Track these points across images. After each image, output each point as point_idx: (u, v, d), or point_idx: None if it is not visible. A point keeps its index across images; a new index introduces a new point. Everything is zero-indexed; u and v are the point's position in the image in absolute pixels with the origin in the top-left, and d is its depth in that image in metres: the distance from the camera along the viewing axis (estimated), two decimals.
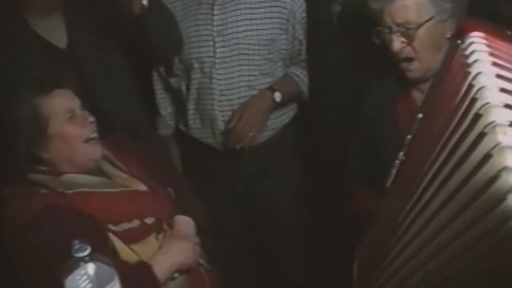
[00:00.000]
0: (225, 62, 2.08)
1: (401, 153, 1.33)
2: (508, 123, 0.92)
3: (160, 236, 1.68)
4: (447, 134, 1.03)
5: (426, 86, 1.77)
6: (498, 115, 0.93)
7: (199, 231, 1.78)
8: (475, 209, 0.95)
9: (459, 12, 1.71)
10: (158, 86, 2.24)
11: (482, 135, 0.93)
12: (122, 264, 1.53)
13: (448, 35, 1.67)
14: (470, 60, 1.05)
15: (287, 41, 2.14)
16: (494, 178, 0.90)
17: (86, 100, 1.73)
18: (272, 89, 2.12)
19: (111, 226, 1.60)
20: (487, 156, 0.91)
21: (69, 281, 1.26)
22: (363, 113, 1.87)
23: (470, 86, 0.99)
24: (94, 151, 1.68)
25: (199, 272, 1.74)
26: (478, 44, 1.09)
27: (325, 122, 2.19)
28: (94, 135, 1.67)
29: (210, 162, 2.21)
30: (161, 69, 2.21)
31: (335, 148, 2.08)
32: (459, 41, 1.15)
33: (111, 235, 1.59)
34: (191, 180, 2.07)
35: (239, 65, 2.08)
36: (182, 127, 2.23)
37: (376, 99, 1.84)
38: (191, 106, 2.15)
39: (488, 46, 1.09)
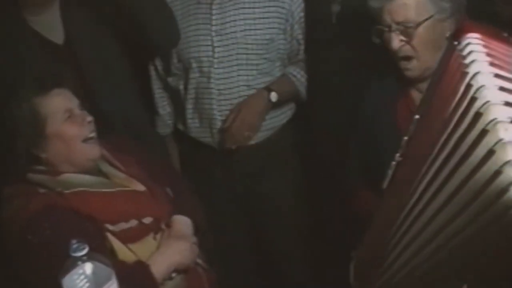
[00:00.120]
0: (223, 62, 2.08)
1: (398, 154, 1.33)
2: (509, 120, 0.93)
3: (158, 236, 1.68)
4: (446, 134, 1.03)
5: (424, 85, 1.76)
6: (499, 113, 0.94)
7: (197, 231, 1.78)
8: (478, 204, 0.96)
9: (458, 11, 1.72)
10: (156, 85, 2.24)
11: (484, 133, 0.94)
12: (120, 263, 1.53)
13: (447, 35, 1.67)
14: (468, 60, 1.05)
15: (286, 40, 2.14)
16: (498, 172, 0.92)
17: (85, 99, 1.73)
18: (268, 89, 2.12)
19: (109, 226, 1.60)
20: (490, 152, 0.92)
21: (66, 280, 1.26)
22: (362, 113, 1.87)
23: (469, 86, 1.00)
24: (93, 151, 1.68)
25: (197, 272, 1.74)
26: (475, 45, 1.09)
27: (324, 122, 2.18)
28: (93, 134, 1.67)
29: (208, 162, 2.21)
30: (159, 68, 2.21)
31: (334, 148, 2.08)
32: (456, 42, 1.15)
33: (109, 235, 1.59)
34: (189, 180, 2.07)
35: (237, 64, 2.08)
36: (180, 127, 2.23)
37: (376, 98, 1.84)
38: (189, 106, 2.15)
39: (485, 47, 1.09)
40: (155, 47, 2.13)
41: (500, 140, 0.92)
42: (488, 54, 1.07)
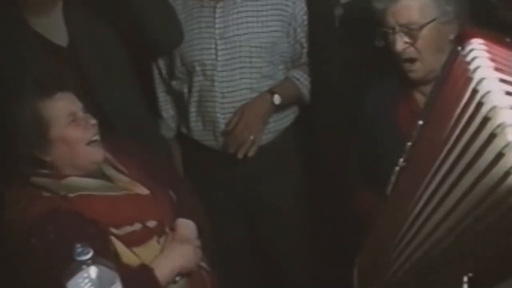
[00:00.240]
0: (226, 65, 2.08)
1: (401, 160, 1.33)
2: None
3: (162, 240, 1.68)
4: (452, 139, 1.04)
5: (427, 88, 1.77)
6: (506, 117, 0.95)
7: (201, 234, 1.78)
8: (486, 206, 0.97)
9: (461, 15, 1.73)
10: (160, 89, 2.24)
11: (492, 137, 0.94)
12: (124, 267, 1.53)
13: (450, 37, 1.68)
14: (472, 66, 1.06)
15: (289, 44, 2.15)
16: (507, 173, 0.93)
17: (88, 102, 1.73)
18: (271, 92, 2.13)
19: (113, 230, 1.60)
20: (499, 155, 0.93)
21: (71, 284, 1.26)
22: (363, 114, 1.88)
23: (475, 91, 1.00)
24: (97, 154, 1.68)
25: (201, 275, 1.74)
26: (478, 50, 1.10)
27: (326, 124, 2.18)
28: (96, 137, 1.67)
29: (211, 164, 2.21)
30: (163, 71, 2.21)
31: (336, 149, 2.08)
32: (459, 48, 1.16)
33: (113, 238, 1.59)
34: (192, 181, 2.08)
35: (240, 67, 2.09)
36: (183, 130, 2.23)
37: (377, 100, 1.85)
38: (192, 109, 2.15)
39: (489, 52, 1.10)
40: (157, 47, 2.12)
41: (509, 143, 0.92)
42: (492, 60, 1.07)
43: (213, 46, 2.07)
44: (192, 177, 2.14)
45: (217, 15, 2.08)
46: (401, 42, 1.72)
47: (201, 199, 1.92)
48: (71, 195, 1.61)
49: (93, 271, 1.27)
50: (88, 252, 1.26)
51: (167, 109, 2.26)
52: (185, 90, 2.16)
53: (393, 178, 1.35)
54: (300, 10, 2.13)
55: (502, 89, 0.99)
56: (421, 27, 1.69)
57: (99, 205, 1.62)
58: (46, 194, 1.61)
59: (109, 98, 1.95)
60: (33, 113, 1.61)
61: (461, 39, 1.17)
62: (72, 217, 1.57)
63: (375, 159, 1.77)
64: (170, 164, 2.18)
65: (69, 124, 1.64)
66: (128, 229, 1.63)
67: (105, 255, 1.40)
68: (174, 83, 2.19)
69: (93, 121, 1.67)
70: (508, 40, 1.19)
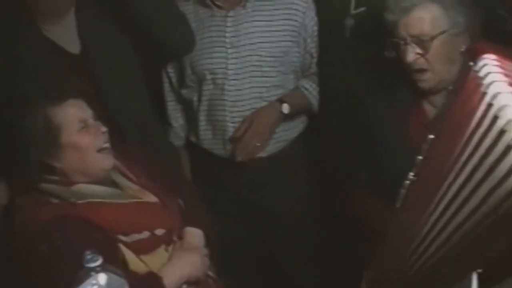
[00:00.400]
0: (237, 74, 2.09)
1: (412, 174, 1.34)
2: None
3: (170, 248, 1.69)
4: (467, 152, 1.05)
5: (437, 99, 1.79)
6: None
7: (208, 243, 1.78)
8: (501, 214, 1.00)
9: (472, 27, 1.74)
10: (169, 97, 2.24)
11: (509, 148, 0.96)
12: (132, 274, 1.53)
13: (461, 49, 1.68)
14: (486, 81, 1.07)
15: (299, 54, 2.15)
16: None
17: (99, 109, 1.73)
18: (280, 101, 2.13)
19: (121, 237, 1.60)
20: None
21: None
22: (373, 125, 1.88)
23: (489, 105, 1.02)
24: (106, 161, 1.68)
25: (208, 283, 1.74)
26: (491, 66, 1.11)
27: (334, 133, 2.18)
28: (107, 145, 1.68)
29: (219, 172, 2.21)
30: (173, 80, 2.21)
31: (344, 158, 2.08)
32: (472, 63, 1.16)
33: (121, 246, 1.59)
34: (200, 189, 2.08)
35: (250, 76, 2.09)
36: (193, 138, 2.23)
37: (387, 111, 1.86)
38: (202, 118, 2.16)
39: (501, 67, 1.11)
40: (168, 52, 2.12)
41: None
42: (505, 75, 1.08)
43: (223, 55, 2.08)
44: (201, 186, 2.14)
45: (228, 24, 2.08)
46: (412, 53, 1.73)
47: (208, 207, 1.92)
48: (79, 202, 1.61)
49: (102, 278, 1.26)
50: (97, 259, 1.26)
51: (177, 118, 2.26)
52: (195, 98, 2.17)
53: (403, 191, 1.35)
54: (311, 20, 2.14)
55: None
56: (433, 38, 1.71)
57: (107, 213, 1.62)
58: (55, 200, 1.62)
59: (119, 106, 1.95)
60: (44, 119, 1.62)
61: (473, 54, 1.18)
62: (80, 223, 1.57)
63: (383, 169, 1.77)
64: (179, 172, 2.18)
65: (80, 130, 1.64)
66: (136, 236, 1.63)
67: (114, 262, 1.40)
68: (184, 91, 2.20)
69: (104, 129, 1.68)
70: None
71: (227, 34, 2.08)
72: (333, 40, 2.13)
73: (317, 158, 2.26)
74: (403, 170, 1.39)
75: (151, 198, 1.72)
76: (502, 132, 0.97)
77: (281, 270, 2.32)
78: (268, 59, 2.08)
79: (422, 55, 1.73)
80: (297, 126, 2.24)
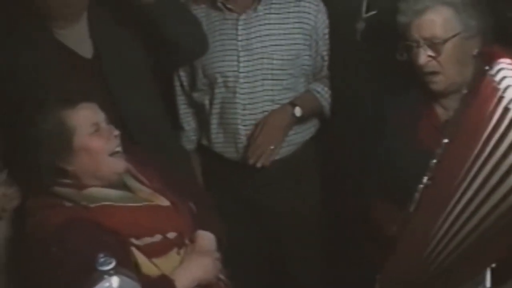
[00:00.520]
0: (248, 77, 2.09)
1: (426, 178, 1.33)
2: None
3: (182, 251, 1.69)
4: (484, 155, 1.05)
5: (449, 102, 1.78)
6: None
7: (220, 247, 1.78)
8: None
9: (484, 30, 1.74)
10: (181, 101, 2.25)
11: None
12: (144, 278, 1.53)
13: (474, 52, 1.67)
14: (502, 85, 1.07)
15: (310, 57, 2.16)
16: None
17: (111, 113, 1.74)
18: (292, 104, 2.13)
19: (133, 240, 1.61)
20: None
21: None
22: (384, 128, 1.88)
23: (506, 109, 1.01)
24: (119, 165, 1.69)
25: (219, 287, 1.74)
26: (508, 70, 1.10)
27: (346, 136, 2.18)
28: (119, 148, 1.68)
29: (230, 176, 2.21)
30: (185, 84, 2.22)
31: (356, 161, 2.07)
32: (487, 68, 1.16)
33: (133, 249, 1.60)
34: (211, 192, 2.08)
35: (262, 79, 2.09)
36: (204, 142, 2.24)
37: (398, 114, 1.85)
38: (214, 121, 2.16)
39: None
40: (181, 55, 2.12)
41: None
42: None
43: (235, 58, 2.09)
44: (212, 190, 2.14)
45: (239, 27, 2.09)
46: (424, 56, 1.73)
47: (219, 210, 1.92)
48: (92, 205, 1.62)
49: (115, 281, 1.27)
50: (110, 262, 1.27)
51: (189, 121, 2.26)
52: (207, 102, 2.17)
53: (417, 195, 1.34)
54: (322, 23, 2.14)
55: None
56: (445, 41, 1.71)
57: (120, 216, 1.63)
58: (67, 204, 1.62)
59: (132, 110, 1.95)
60: (56, 122, 1.63)
61: (488, 58, 1.18)
62: (92, 227, 1.58)
63: (395, 172, 1.76)
64: (191, 175, 2.18)
65: (92, 134, 1.65)
66: (148, 240, 1.63)
67: (126, 266, 1.41)
68: (195, 95, 2.20)
69: (116, 132, 1.69)
70: None
71: (239, 37, 2.09)
72: (344, 44, 2.13)
73: (328, 161, 2.26)
74: (413, 173, 1.38)
75: (163, 202, 1.73)
76: None
77: (294, 276, 2.31)
78: (279, 62, 2.09)
79: (434, 57, 1.73)
80: (309, 129, 2.23)
